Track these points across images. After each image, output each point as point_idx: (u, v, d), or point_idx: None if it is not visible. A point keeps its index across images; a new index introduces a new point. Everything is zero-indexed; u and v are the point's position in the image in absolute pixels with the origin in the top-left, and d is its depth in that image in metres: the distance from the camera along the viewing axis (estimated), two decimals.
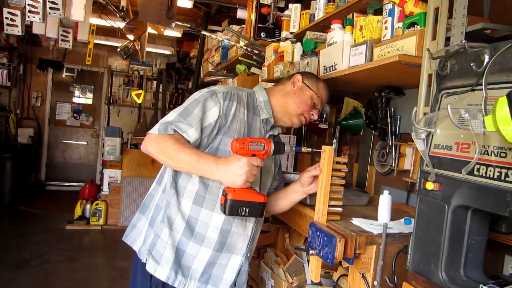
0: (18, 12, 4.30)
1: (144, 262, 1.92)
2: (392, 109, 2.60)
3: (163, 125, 1.78)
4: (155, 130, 1.79)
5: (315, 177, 2.02)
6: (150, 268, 1.91)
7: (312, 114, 2.12)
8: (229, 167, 1.72)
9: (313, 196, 2.09)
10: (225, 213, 1.75)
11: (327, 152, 1.90)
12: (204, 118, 1.84)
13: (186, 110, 1.84)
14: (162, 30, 5.50)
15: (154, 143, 1.76)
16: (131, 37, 6.12)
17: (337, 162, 1.93)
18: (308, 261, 2.04)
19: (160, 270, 1.90)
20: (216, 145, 1.90)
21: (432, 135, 1.47)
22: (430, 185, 1.43)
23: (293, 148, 1.86)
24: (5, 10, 4.30)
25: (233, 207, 1.74)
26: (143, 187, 6.60)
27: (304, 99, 2.08)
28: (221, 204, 1.77)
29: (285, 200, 2.15)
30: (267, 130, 2.09)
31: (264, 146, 1.77)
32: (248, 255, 2.04)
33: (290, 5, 3.17)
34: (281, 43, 2.95)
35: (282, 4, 3.42)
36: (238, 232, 1.99)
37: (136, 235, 2.02)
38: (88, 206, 6.68)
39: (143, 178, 6.59)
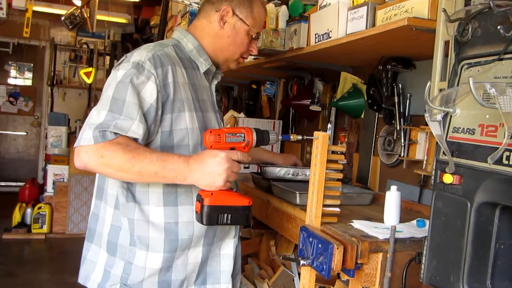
0: None
1: None
2: (400, 85, 2.61)
3: (98, 131, 1.69)
4: (88, 140, 1.69)
5: None
6: None
7: (251, 50, 2.14)
8: (205, 166, 1.72)
9: (303, 194, 2.12)
10: (202, 223, 1.75)
11: (321, 139, 1.90)
12: (142, 102, 1.78)
13: (115, 101, 1.75)
14: None
15: (96, 157, 1.68)
16: (78, 2, 6.05)
17: (333, 152, 1.94)
18: (299, 274, 2.10)
19: None
20: (168, 128, 1.85)
21: (451, 116, 1.47)
22: (448, 178, 1.43)
23: (280, 137, 1.86)
24: None
25: (212, 215, 1.74)
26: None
27: (240, 39, 2.07)
28: (196, 212, 1.78)
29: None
30: (210, 80, 2.09)
31: (244, 136, 1.78)
32: (239, 233, 2.13)
33: None
34: None
35: None
36: None
37: (89, 271, 1.98)
38: (28, 210, 6.66)
39: (95, 176, 6.53)
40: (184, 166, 1.71)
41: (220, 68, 2.14)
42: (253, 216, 2.75)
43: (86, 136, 1.69)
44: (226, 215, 1.75)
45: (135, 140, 1.74)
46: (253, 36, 2.09)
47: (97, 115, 1.73)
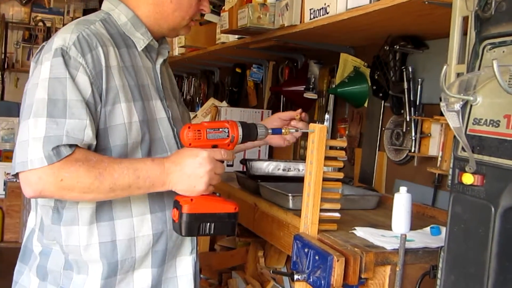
0: None
1: None
2: (410, 69, 2.62)
3: (49, 148, 1.60)
4: (39, 161, 1.60)
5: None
6: None
7: (202, 9, 2.04)
8: (183, 168, 1.72)
9: (297, 197, 2.11)
10: (181, 234, 1.75)
11: (317, 132, 1.90)
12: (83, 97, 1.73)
13: (53, 103, 1.66)
14: None
15: (54, 182, 1.62)
16: None
17: (332, 147, 1.94)
18: None
19: None
20: (102, 126, 1.77)
21: (471, 106, 1.46)
22: (468, 178, 1.42)
23: (269, 131, 1.87)
24: None
25: (192, 224, 1.73)
26: None
27: (187, 1, 1.97)
28: (173, 221, 1.77)
29: None
30: (153, 59, 2.01)
31: (228, 132, 1.78)
32: (197, 248, 2.05)
33: None
34: None
35: None
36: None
37: None
38: None
39: None
40: (160, 171, 1.71)
41: (165, 40, 2.08)
42: (238, 222, 2.71)
43: (34, 156, 1.60)
44: (208, 224, 1.75)
45: (89, 147, 1.70)
46: None
47: (36, 125, 1.63)
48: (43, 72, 1.69)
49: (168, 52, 2.09)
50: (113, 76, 1.79)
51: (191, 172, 1.71)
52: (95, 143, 1.70)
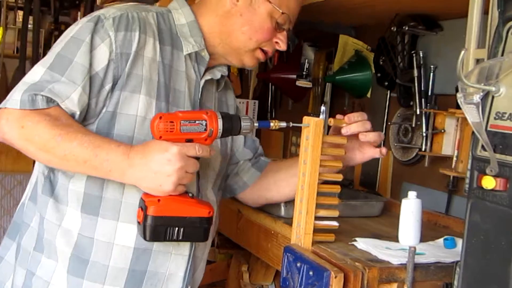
0: None
1: None
2: (420, 53, 2.63)
3: (28, 94, 1.73)
4: (14, 103, 1.73)
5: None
6: None
7: (277, 42, 2.11)
8: (149, 163, 1.73)
9: (289, 202, 2.15)
10: (145, 238, 1.77)
11: (312, 127, 1.91)
12: (90, 67, 1.85)
13: (60, 59, 1.81)
14: None
15: (16, 127, 1.73)
16: None
17: (329, 145, 1.95)
18: None
19: None
20: (113, 109, 1.89)
21: (493, 97, 1.46)
22: (489, 182, 1.41)
23: (256, 124, 1.87)
24: None
25: (158, 229, 1.75)
26: (22, 189, 6.50)
27: (259, 21, 2.05)
28: (138, 222, 1.79)
29: (289, 183, 2.17)
30: (201, 73, 2.09)
31: (206, 124, 1.77)
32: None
33: None
34: None
35: None
36: (165, 252, 1.99)
37: (5, 275, 2.01)
38: None
39: (21, 174, 6.50)
40: (122, 158, 1.73)
41: (223, 63, 2.16)
42: (219, 231, 2.76)
43: (14, 97, 1.74)
44: (177, 229, 1.76)
45: (72, 116, 1.79)
46: (279, 22, 2.07)
47: (35, 72, 1.80)
48: (71, 30, 1.89)
49: (222, 77, 2.18)
50: (142, 65, 1.91)
51: (157, 169, 1.71)
52: (78, 112, 1.79)
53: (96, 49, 1.84)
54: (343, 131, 1.99)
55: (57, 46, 1.85)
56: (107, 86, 1.86)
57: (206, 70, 2.10)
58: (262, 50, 2.10)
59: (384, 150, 2.07)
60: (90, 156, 1.71)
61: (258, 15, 2.04)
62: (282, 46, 2.11)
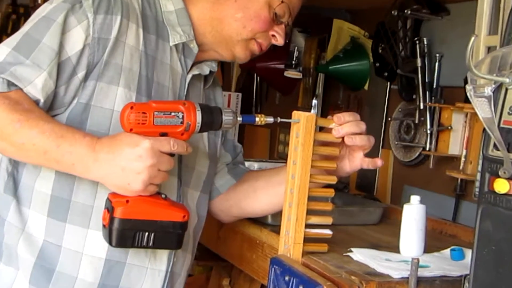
0: None
1: None
2: (425, 41, 2.68)
3: None
4: None
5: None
6: None
7: (273, 36, 2.12)
8: (117, 158, 1.72)
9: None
10: (111, 244, 1.76)
11: (303, 123, 1.92)
12: (61, 51, 1.83)
13: (27, 39, 1.81)
14: None
15: None
16: None
17: (322, 143, 1.97)
18: None
19: None
20: (86, 100, 1.88)
21: (506, 90, 1.46)
22: (502, 185, 1.41)
23: (239, 118, 1.87)
24: None
25: (126, 233, 1.74)
26: None
27: (255, 8, 2.06)
28: (103, 225, 1.78)
29: (269, 193, 2.19)
30: (187, 67, 2.11)
31: (183, 117, 1.77)
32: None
33: None
34: None
35: None
36: (140, 266, 2.00)
37: None
38: None
39: None
40: (87, 151, 1.72)
41: (213, 58, 2.17)
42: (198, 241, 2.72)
43: None
44: (147, 234, 1.75)
45: (36, 103, 1.77)
46: (278, 13, 2.08)
47: None
48: (44, 9, 1.86)
49: (211, 73, 2.20)
50: (123, 53, 1.91)
51: (126, 165, 1.70)
52: (42, 100, 1.77)
53: (71, 31, 1.84)
54: (334, 132, 1.97)
55: (26, 26, 1.85)
56: (80, 74, 1.85)
57: (193, 64, 2.11)
58: (257, 42, 2.11)
59: (379, 161, 2.09)
60: (51, 147, 1.69)
61: (255, 2, 2.06)
62: (279, 41, 2.12)
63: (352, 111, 3.03)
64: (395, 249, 1.86)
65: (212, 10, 2.08)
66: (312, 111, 1.82)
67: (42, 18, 1.84)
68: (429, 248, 1.92)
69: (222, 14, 2.07)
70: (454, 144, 2.52)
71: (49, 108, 1.84)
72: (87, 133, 1.79)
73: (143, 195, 1.74)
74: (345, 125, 1.97)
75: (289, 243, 1.92)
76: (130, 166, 1.70)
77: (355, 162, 2.07)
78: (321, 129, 2.03)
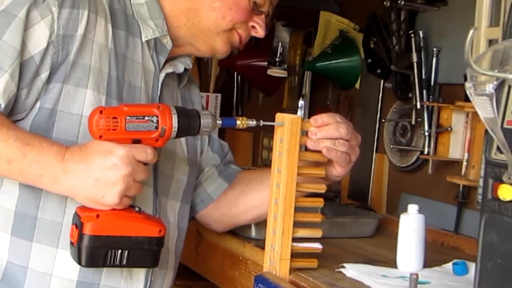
0: None
1: None
2: (420, 34, 2.71)
3: None
4: None
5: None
6: None
7: (253, 27, 2.13)
8: (89, 168, 1.71)
9: (262, 222, 2.16)
10: (80, 263, 1.75)
11: (288, 127, 1.93)
12: (23, 50, 1.80)
13: None
14: None
15: None
16: None
17: (310, 149, 1.97)
18: None
19: None
20: (51, 105, 1.86)
21: (509, 87, 1.47)
22: (507, 192, 1.42)
23: (219, 122, 1.89)
24: None
25: (97, 251, 1.73)
26: None
27: None
28: (71, 243, 1.77)
29: (262, 196, 2.17)
30: (160, 65, 2.10)
31: (157, 121, 1.76)
32: None
33: None
34: None
35: None
36: (115, 287, 2.00)
37: None
38: None
39: None
40: (55, 161, 1.70)
41: (188, 53, 2.18)
42: None
43: None
44: (120, 252, 1.74)
45: None
46: (257, 1, 2.08)
47: None
48: (3, 3, 1.81)
49: (186, 70, 2.20)
50: (91, 53, 1.90)
51: (99, 175, 1.69)
52: (3, 104, 1.75)
53: (34, 27, 1.81)
54: (310, 135, 1.95)
55: None
56: (43, 75, 1.83)
57: (166, 62, 2.11)
58: (237, 33, 2.12)
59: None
60: (16, 156, 1.67)
61: None
62: (260, 32, 2.13)
63: (342, 112, 3.11)
64: (392, 264, 1.94)
65: (186, 1, 2.07)
66: (299, 112, 1.80)
67: (1, 12, 1.80)
68: (429, 262, 1.98)
69: (198, 4, 2.06)
70: (455, 147, 2.53)
71: (9, 113, 1.81)
72: (55, 141, 1.77)
73: (117, 208, 1.73)
74: (323, 129, 1.95)
75: (275, 259, 1.92)
76: (104, 176, 1.69)
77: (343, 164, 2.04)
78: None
